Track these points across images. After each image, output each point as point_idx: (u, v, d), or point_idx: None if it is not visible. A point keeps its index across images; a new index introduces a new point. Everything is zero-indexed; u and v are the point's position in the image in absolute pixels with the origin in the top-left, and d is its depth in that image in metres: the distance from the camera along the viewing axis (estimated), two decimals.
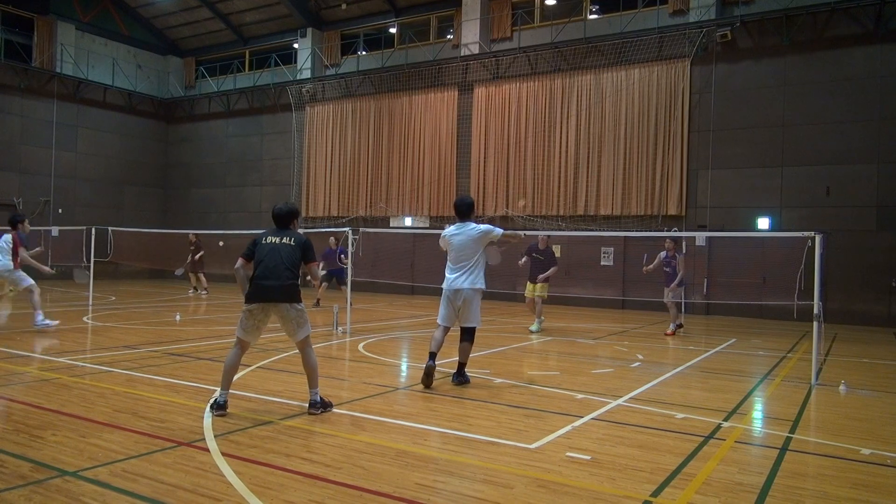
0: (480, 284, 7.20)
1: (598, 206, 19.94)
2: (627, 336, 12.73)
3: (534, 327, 12.84)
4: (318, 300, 16.46)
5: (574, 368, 8.84)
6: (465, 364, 7.31)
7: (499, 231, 7.25)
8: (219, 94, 28.15)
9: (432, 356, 7.04)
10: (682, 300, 13.37)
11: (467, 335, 7.26)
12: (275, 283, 5.65)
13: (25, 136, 25.02)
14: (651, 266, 12.75)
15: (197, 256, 19.92)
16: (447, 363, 8.65)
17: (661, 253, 12.89)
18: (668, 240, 13.01)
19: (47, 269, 11.56)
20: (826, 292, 11.07)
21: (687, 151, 18.80)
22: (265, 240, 5.85)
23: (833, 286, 15.29)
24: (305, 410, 5.84)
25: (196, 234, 20.21)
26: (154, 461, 4.39)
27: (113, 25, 28.18)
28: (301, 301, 5.79)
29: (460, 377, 7.28)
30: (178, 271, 20.39)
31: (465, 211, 7.34)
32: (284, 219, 6.00)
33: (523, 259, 12.85)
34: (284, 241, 5.82)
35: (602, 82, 20.08)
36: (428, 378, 6.98)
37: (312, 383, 5.83)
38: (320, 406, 5.81)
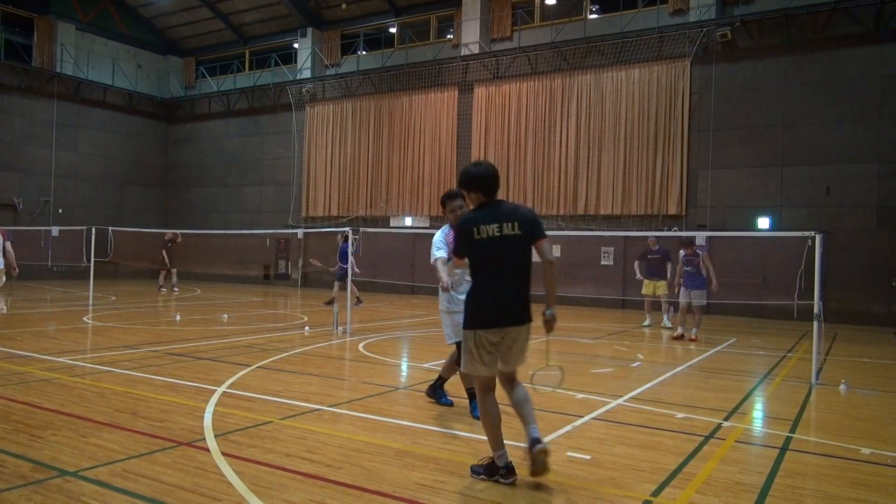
0: (444, 303, 5.96)
1: (598, 205, 19.93)
2: (627, 336, 12.72)
3: (667, 322, 13.73)
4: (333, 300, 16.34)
5: (574, 368, 8.84)
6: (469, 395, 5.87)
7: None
8: (219, 94, 28.13)
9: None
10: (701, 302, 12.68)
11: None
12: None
13: (25, 136, 24.99)
14: (679, 269, 12.22)
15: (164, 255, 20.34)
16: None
17: (680, 252, 12.12)
18: (683, 241, 12.20)
19: None
20: (826, 292, 11.03)
21: (687, 151, 18.78)
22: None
23: (833, 286, 15.27)
24: (305, 410, 5.83)
25: (174, 233, 20.57)
26: (154, 461, 4.39)
27: (113, 25, 28.17)
28: None
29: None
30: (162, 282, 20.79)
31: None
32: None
33: (636, 263, 14.06)
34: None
35: (602, 82, 20.07)
36: None
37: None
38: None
